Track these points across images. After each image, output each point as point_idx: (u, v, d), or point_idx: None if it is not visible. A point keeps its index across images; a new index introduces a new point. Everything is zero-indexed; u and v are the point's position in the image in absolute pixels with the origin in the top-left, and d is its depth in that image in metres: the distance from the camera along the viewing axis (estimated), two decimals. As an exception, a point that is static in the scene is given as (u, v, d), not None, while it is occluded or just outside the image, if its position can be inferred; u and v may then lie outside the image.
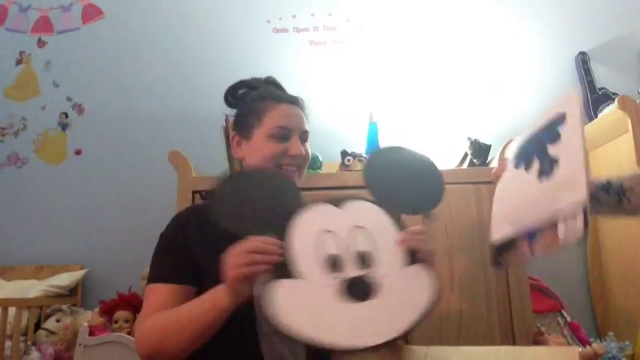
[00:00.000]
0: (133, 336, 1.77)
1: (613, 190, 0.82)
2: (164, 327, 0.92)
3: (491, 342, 1.61)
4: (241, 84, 1.24)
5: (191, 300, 0.95)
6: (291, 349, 0.97)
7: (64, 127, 2.47)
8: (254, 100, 1.16)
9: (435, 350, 1.08)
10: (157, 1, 2.55)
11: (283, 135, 1.11)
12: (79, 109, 2.48)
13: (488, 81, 2.37)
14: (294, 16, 2.50)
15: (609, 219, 2.05)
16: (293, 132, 1.12)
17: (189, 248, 1.02)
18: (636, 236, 1.82)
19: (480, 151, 1.96)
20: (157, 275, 1.01)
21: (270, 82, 1.24)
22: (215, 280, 0.89)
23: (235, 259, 0.84)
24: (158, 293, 0.98)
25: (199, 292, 0.96)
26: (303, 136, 1.15)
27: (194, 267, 1.00)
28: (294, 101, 1.17)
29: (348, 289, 0.84)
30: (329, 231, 0.89)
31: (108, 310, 1.94)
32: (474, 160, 1.96)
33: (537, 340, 1.72)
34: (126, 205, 2.35)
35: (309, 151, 1.17)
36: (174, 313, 0.93)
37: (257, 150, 1.11)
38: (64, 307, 2.02)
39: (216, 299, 0.88)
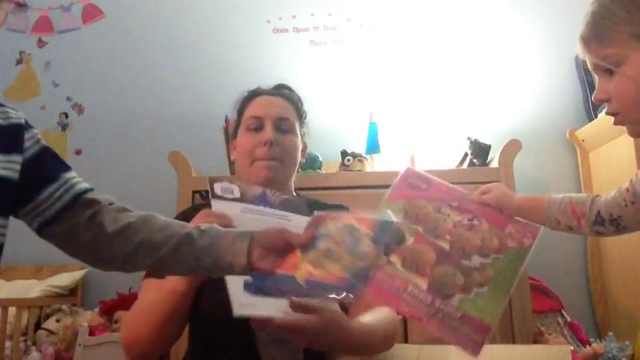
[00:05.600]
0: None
1: (607, 223, 0.85)
2: (133, 318, 0.94)
3: (491, 341, 1.60)
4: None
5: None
6: (289, 357, 0.95)
7: (64, 127, 2.47)
8: (240, 101, 1.14)
9: (430, 349, 1.08)
10: (157, 1, 2.55)
11: (257, 125, 1.05)
12: (79, 109, 2.48)
13: (489, 81, 2.37)
14: (294, 16, 2.50)
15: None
16: (266, 120, 1.05)
17: None
18: (636, 236, 1.82)
19: (480, 151, 1.96)
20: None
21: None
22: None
23: None
24: (146, 288, 0.97)
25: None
26: (282, 124, 1.07)
27: None
28: (277, 93, 1.12)
29: None
30: None
31: (108, 310, 1.94)
32: (474, 160, 1.96)
33: (537, 340, 1.72)
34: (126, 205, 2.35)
35: (296, 143, 1.10)
36: (139, 303, 0.94)
37: (239, 147, 1.09)
38: (64, 307, 2.02)
39: (174, 284, 0.88)
